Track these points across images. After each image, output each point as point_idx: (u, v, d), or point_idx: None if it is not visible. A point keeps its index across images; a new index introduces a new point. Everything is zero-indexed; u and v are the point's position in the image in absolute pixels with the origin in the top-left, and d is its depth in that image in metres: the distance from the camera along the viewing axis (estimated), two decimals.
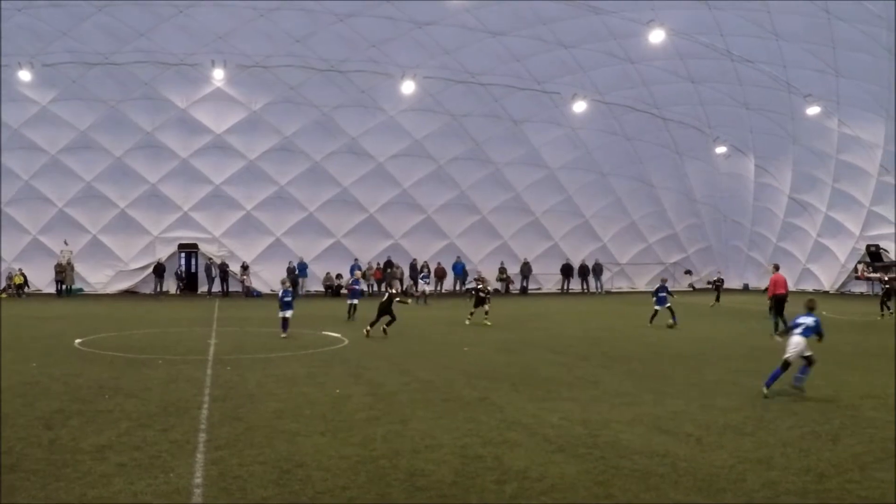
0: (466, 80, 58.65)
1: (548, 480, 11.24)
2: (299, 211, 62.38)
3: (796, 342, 18.34)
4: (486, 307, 37.19)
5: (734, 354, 26.25)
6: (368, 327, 30.50)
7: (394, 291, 31.91)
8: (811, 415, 16.01)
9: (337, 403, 16.83)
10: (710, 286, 59.45)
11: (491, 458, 12.37)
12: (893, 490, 10.95)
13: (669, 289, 38.27)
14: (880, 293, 46.22)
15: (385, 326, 30.62)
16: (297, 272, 61.33)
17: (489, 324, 36.28)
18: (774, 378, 18.16)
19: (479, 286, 38.47)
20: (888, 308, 43.26)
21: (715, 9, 49.02)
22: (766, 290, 35.46)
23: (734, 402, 17.29)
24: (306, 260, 62.80)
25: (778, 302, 33.05)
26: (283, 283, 32.73)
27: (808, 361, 18.47)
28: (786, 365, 18.25)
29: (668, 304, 36.72)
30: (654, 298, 37.09)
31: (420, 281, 57.32)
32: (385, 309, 30.73)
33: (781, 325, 29.88)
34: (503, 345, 28.44)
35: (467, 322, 36.79)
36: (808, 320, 18.57)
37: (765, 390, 18.04)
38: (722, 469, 11.96)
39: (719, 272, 58.33)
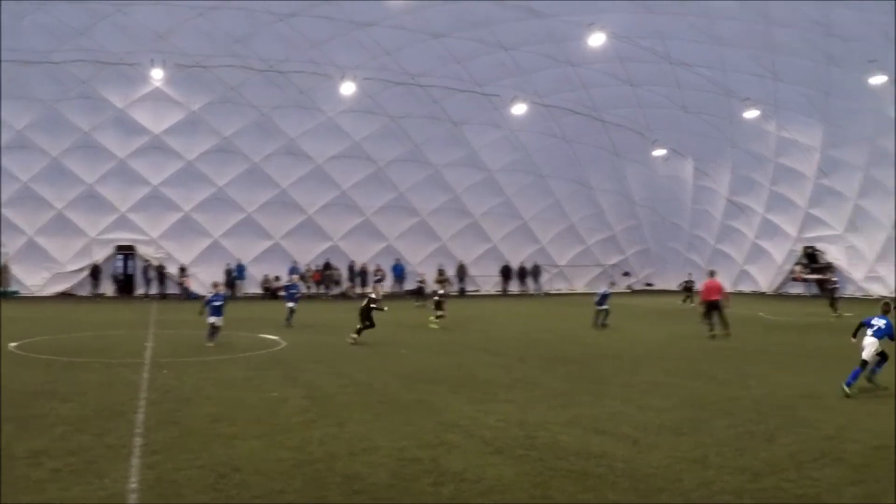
0: (406, 82, 58.57)
1: (485, 482, 11.23)
2: (237, 212, 61.88)
3: (870, 342, 18.83)
4: (443, 311, 37.55)
5: (670, 355, 26.48)
6: (354, 335, 29.11)
7: (374, 296, 30.76)
8: (747, 415, 16.14)
9: (273, 407, 16.74)
10: (680, 288, 59.65)
11: (428, 461, 12.34)
12: (828, 489, 11.07)
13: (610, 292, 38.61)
14: (828, 295, 46.69)
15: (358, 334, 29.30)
16: (234, 274, 60.95)
17: (435, 327, 36.34)
18: (855, 377, 18.46)
19: (440, 290, 39.40)
20: (835, 309, 43.77)
21: (655, 13, 49.34)
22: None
23: (670, 403, 17.41)
24: (244, 262, 62.26)
25: (709, 307, 32.68)
26: (214, 285, 30.88)
27: (883, 357, 19.02)
28: (864, 364, 18.70)
29: (606, 307, 37.02)
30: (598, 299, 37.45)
31: (375, 285, 56.92)
32: (366, 315, 29.73)
33: (719, 328, 30.21)
34: (441, 347, 28.47)
35: (434, 326, 36.68)
36: (881, 322, 19.04)
37: (847, 389, 18.23)
38: (658, 469, 12.01)
39: (689, 274, 58.69)
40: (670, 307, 51.62)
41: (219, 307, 27.87)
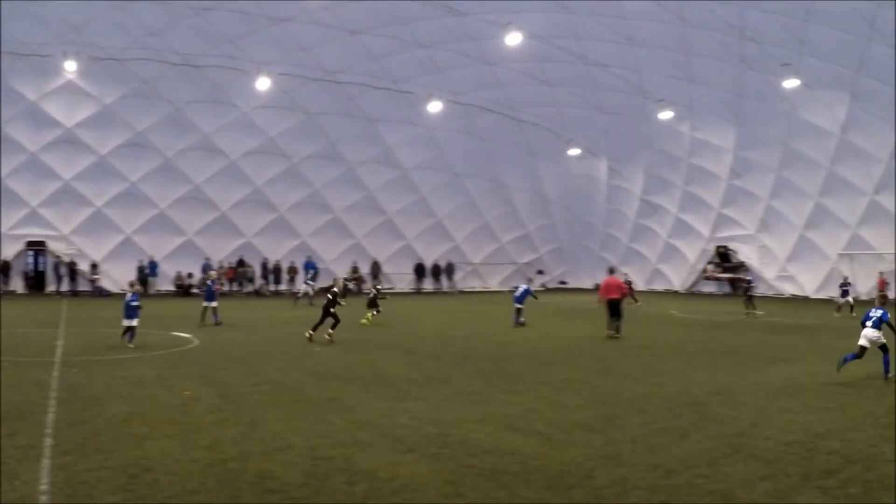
0: (322, 78, 58.43)
1: (398, 480, 11.27)
2: (150, 208, 61.06)
3: (870, 333, 20.22)
4: (378, 309, 38.46)
5: (584, 353, 26.65)
6: (311, 331, 29.12)
7: (336, 290, 30.41)
8: (659, 412, 16.33)
9: (186, 405, 16.61)
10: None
11: (341, 459, 12.35)
12: (740, 484, 11.26)
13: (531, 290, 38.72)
14: (743, 294, 47.18)
15: (330, 330, 29.17)
16: (147, 271, 60.29)
17: (366, 322, 36.82)
18: (847, 361, 20.27)
19: (377, 287, 40.90)
20: (751, 308, 44.29)
21: (571, 13, 49.66)
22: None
23: (583, 401, 17.56)
24: (157, 258, 61.59)
25: (610, 305, 31.92)
26: (131, 285, 30.07)
27: (884, 349, 20.18)
28: (862, 350, 20.21)
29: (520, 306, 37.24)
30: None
31: (305, 284, 56.26)
32: (327, 311, 29.62)
33: (615, 329, 30.33)
34: (354, 345, 28.40)
35: (364, 321, 36.90)
36: (878, 313, 20.35)
37: (839, 370, 20.05)
38: (572, 466, 12.11)
39: (626, 274, 59.09)
40: (585, 306, 51.96)
41: (136, 308, 26.76)
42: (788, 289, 64.02)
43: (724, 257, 68.04)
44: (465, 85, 61.02)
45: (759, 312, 43.83)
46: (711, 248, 68.61)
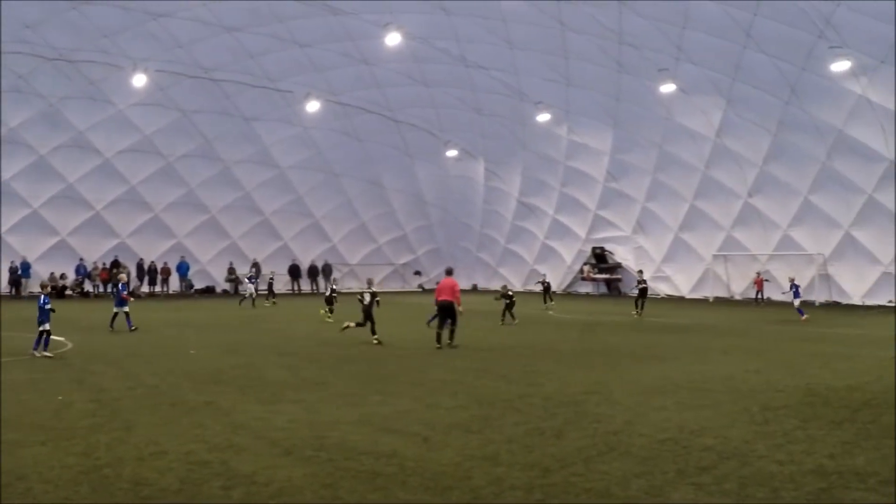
0: (199, 76, 57.68)
1: (275, 484, 11.16)
2: (23, 208, 59.25)
3: None
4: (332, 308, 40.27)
5: (461, 354, 26.67)
6: (351, 324, 30.04)
7: (374, 291, 30.77)
8: (536, 412, 16.41)
9: (59, 411, 16.20)
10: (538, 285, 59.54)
11: (217, 464, 12.20)
12: (616, 482, 11.38)
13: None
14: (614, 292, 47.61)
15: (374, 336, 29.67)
16: (19, 272, 58.85)
17: (326, 317, 38.23)
18: None
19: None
20: (640, 307, 44.62)
21: (451, 14, 49.89)
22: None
23: (460, 401, 17.58)
24: (29, 259, 59.95)
25: (441, 310, 29.13)
26: (42, 287, 28.80)
27: None
28: None
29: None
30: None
31: (247, 282, 55.94)
32: (368, 313, 29.87)
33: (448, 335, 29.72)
34: (230, 347, 28.16)
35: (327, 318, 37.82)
36: None
37: None
38: (449, 467, 12.11)
39: (544, 275, 58.99)
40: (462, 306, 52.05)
41: (49, 311, 25.23)
42: (664, 289, 65.12)
43: (600, 258, 68.92)
44: (343, 85, 60.92)
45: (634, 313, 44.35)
46: (588, 249, 69.47)
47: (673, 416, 16.03)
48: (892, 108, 46.75)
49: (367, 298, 30.14)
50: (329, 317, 40.35)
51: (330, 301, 42.37)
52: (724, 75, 50.90)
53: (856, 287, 53.34)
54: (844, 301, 50.47)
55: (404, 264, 78.29)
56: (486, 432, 14.55)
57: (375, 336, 29.42)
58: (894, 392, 18.58)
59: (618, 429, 14.83)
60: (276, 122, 64.84)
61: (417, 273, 77.82)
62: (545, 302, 51.77)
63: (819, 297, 55.04)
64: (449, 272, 31.54)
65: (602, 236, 68.79)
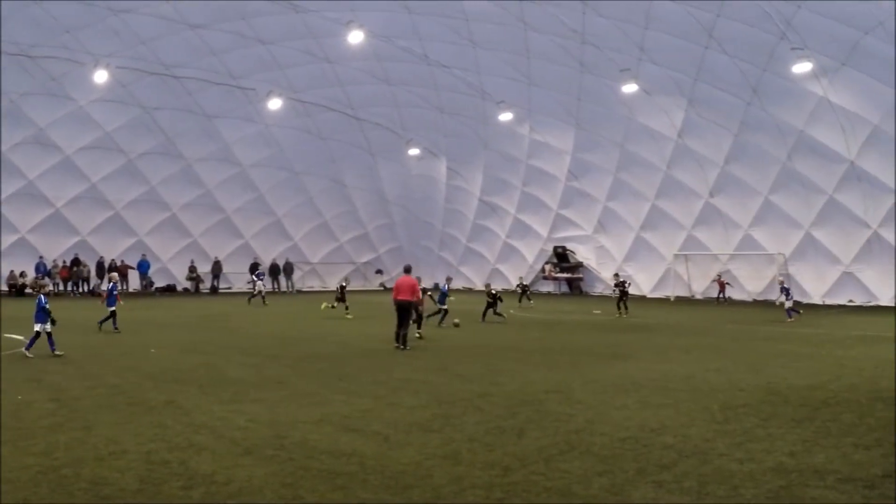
0: (161, 73, 57.21)
1: (235, 484, 11.11)
2: None
3: None
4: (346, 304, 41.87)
5: (422, 353, 26.72)
6: (418, 330, 31.91)
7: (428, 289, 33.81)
8: (497, 411, 16.42)
9: (17, 410, 16.03)
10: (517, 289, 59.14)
11: (177, 464, 12.12)
12: (577, 480, 11.41)
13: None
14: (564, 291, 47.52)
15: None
16: None
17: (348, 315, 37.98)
18: None
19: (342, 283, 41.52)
20: (624, 308, 44.50)
21: (414, 13, 49.91)
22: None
23: (421, 400, 17.59)
24: None
25: (399, 309, 28.39)
26: (40, 287, 27.77)
27: None
28: None
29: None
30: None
31: (256, 280, 56.00)
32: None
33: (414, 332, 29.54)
34: (191, 346, 28.05)
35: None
36: None
37: None
38: (409, 466, 12.11)
39: (521, 278, 58.98)
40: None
41: (47, 311, 24.87)
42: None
43: (562, 257, 69.07)
44: (305, 82, 60.77)
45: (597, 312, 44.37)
46: (549, 248, 69.61)
47: (634, 414, 16.10)
48: (853, 109, 47.19)
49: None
50: (347, 314, 42.00)
51: (342, 298, 43.59)
52: (686, 76, 51.17)
53: (816, 287, 53.72)
54: (805, 301, 50.78)
55: (366, 263, 78.18)
56: (446, 431, 14.56)
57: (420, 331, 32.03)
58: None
59: (579, 427, 14.88)
60: (238, 120, 64.49)
61: (379, 272, 77.77)
62: (520, 301, 52.46)
63: (779, 296, 55.38)
64: (407, 270, 30.99)
65: (564, 235, 68.96)
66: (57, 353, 24.47)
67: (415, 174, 74.76)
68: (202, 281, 67.74)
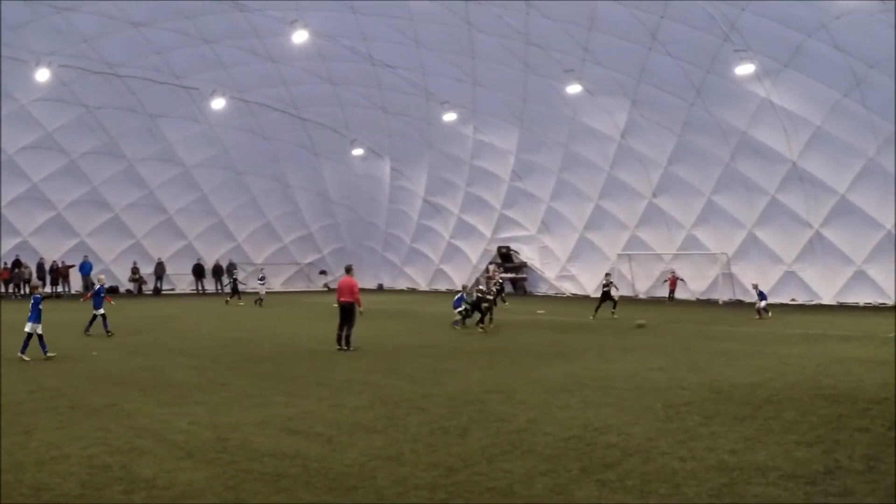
0: (104, 71, 56.70)
1: (177, 488, 11.04)
2: None
3: None
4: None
5: (367, 353, 26.65)
6: (480, 325, 35.04)
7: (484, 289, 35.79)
8: (440, 411, 16.43)
9: None
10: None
11: (118, 468, 12.02)
12: (520, 480, 11.42)
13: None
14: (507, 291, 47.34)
15: (482, 324, 35.19)
16: None
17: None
18: None
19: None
20: (613, 307, 44.20)
21: (359, 13, 49.95)
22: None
23: (364, 401, 17.55)
24: None
25: (341, 310, 28.14)
26: (35, 287, 27.34)
27: None
28: None
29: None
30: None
31: (257, 283, 56.58)
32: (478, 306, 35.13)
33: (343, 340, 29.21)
34: (134, 348, 27.75)
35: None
36: None
37: None
38: (352, 467, 12.08)
39: (465, 286, 58.97)
40: (368, 305, 52.00)
41: (39, 312, 24.50)
42: (569, 288, 65.62)
43: (506, 257, 69.20)
44: (249, 82, 60.59)
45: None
46: (493, 249, 69.73)
47: (577, 414, 16.14)
48: (795, 110, 47.71)
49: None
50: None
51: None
52: (629, 77, 51.50)
53: (759, 286, 54.24)
54: (748, 300, 51.15)
55: (310, 263, 78.08)
56: (390, 432, 14.53)
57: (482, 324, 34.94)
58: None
59: (522, 427, 14.91)
60: (181, 120, 64.09)
61: (323, 272, 77.63)
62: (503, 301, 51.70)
63: (723, 295, 55.86)
64: (347, 270, 30.22)
65: (508, 235, 69.18)
66: (49, 354, 24.35)
67: (359, 174, 74.71)
68: (145, 282, 67.31)
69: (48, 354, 24.30)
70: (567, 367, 23.17)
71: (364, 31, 52.65)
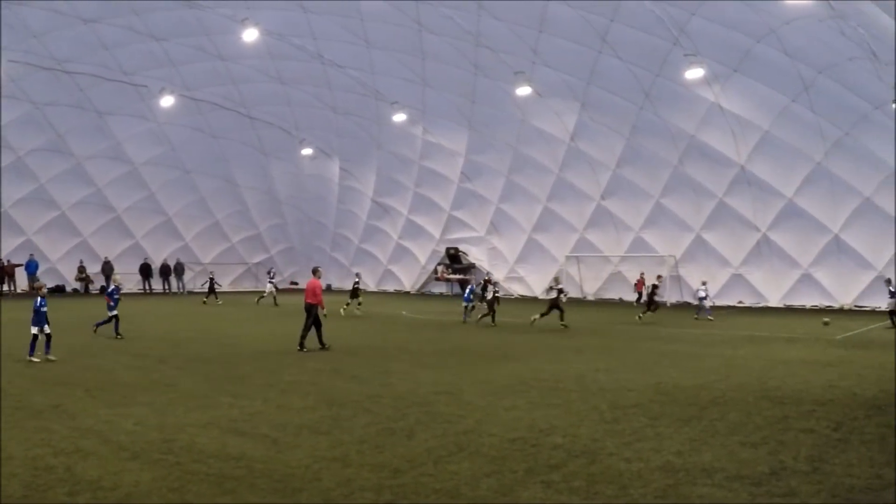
0: (52, 67, 56.07)
1: (122, 489, 10.96)
2: None
3: None
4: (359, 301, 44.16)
5: (315, 355, 26.58)
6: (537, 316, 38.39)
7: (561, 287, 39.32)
8: (386, 412, 16.46)
9: None
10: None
11: (63, 469, 11.94)
12: (466, 481, 11.49)
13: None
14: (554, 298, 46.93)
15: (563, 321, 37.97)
16: None
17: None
18: None
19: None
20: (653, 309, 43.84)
21: (309, 12, 49.83)
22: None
23: (311, 402, 17.55)
24: None
25: (306, 312, 28.47)
26: (38, 288, 26.78)
27: None
28: None
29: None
30: None
31: (267, 282, 56.89)
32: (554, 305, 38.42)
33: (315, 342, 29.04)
34: (80, 349, 27.51)
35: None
36: None
37: None
38: (298, 469, 12.08)
39: (489, 280, 58.59)
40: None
41: (45, 313, 24.30)
42: (517, 289, 65.79)
43: (454, 258, 69.30)
44: (198, 80, 60.19)
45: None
46: (442, 250, 69.81)
47: (523, 415, 16.23)
48: (743, 115, 48.13)
49: (554, 293, 38.74)
50: (358, 308, 45.30)
51: (356, 294, 47.15)
52: (579, 79, 51.71)
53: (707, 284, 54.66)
54: (695, 302, 51.54)
55: (258, 263, 77.74)
56: (336, 433, 14.55)
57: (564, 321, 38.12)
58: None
59: (468, 429, 14.97)
60: (129, 117, 63.51)
61: (270, 272, 77.58)
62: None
63: (671, 297, 56.18)
64: (314, 271, 30.28)
65: (456, 237, 69.33)
66: (50, 357, 24.09)
67: (307, 174, 74.53)
68: (92, 281, 66.76)
69: (50, 357, 24.07)
70: (514, 368, 23.28)
71: (314, 31, 52.48)
